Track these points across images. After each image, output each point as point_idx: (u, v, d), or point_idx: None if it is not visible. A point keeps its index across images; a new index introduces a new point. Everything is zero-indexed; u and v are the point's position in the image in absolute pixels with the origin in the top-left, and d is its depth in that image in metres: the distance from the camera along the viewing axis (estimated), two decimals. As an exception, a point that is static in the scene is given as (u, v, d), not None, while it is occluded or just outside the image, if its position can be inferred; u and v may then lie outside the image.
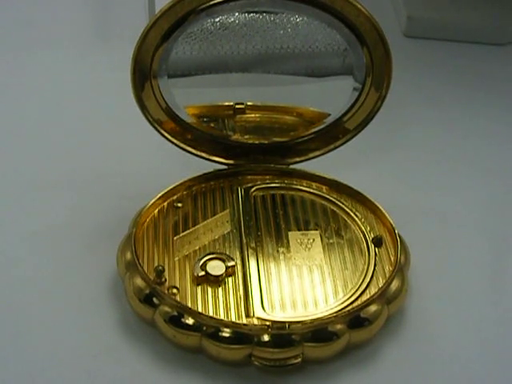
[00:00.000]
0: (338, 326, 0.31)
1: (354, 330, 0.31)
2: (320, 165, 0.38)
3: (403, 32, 0.55)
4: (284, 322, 0.30)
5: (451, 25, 0.55)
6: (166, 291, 0.31)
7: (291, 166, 0.38)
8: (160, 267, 0.32)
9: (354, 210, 0.36)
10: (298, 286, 0.32)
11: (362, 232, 0.35)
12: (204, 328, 0.30)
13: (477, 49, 0.54)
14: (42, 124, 0.44)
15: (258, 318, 0.31)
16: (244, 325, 0.30)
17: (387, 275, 0.33)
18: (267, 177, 0.38)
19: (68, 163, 0.41)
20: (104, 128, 0.44)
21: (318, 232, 0.35)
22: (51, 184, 0.40)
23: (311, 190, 0.37)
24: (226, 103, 0.37)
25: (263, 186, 0.37)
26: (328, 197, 0.37)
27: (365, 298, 0.32)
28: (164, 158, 0.40)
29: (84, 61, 0.50)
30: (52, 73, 0.48)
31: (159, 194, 0.36)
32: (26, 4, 0.55)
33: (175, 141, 0.36)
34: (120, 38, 0.51)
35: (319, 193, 0.37)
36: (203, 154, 0.37)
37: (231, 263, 0.33)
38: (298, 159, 0.38)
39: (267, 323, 0.30)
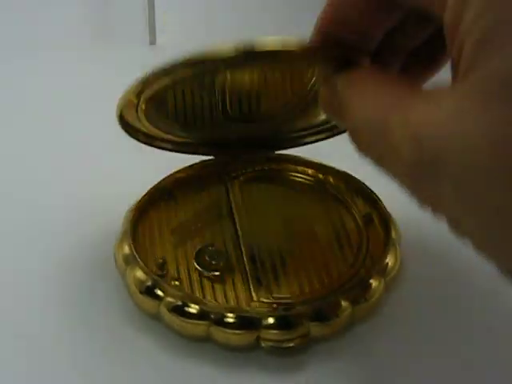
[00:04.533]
0: (342, 303, 0.31)
1: (356, 305, 0.31)
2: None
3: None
4: (288, 303, 0.31)
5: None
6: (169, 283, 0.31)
7: (277, 152, 0.38)
8: (160, 259, 0.32)
9: (341, 190, 0.37)
10: (298, 266, 0.33)
11: (352, 211, 0.36)
12: (211, 315, 0.30)
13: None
14: (41, 122, 0.44)
15: (261, 302, 0.31)
16: (249, 309, 0.31)
17: (381, 250, 0.34)
18: (254, 165, 0.38)
19: (67, 162, 0.41)
20: (104, 127, 0.43)
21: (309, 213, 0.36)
22: (44, 183, 0.40)
23: (298, 174, 0.38)
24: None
25: (251, 173, 0.38)
26: (315, 179, 0.37)
27: (362, 273, 0.33)
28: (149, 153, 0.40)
29: (84, 61, 0.50)
30: (51, 72, 0.49)
31: (149, 188, 0.35)
32: (26, 4, 0.54)
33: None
34: (120, 38, 0.51)
35: (306, 176, 0.38)
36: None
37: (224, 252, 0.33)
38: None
39: (273, 306, 0.31)
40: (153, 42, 0.55)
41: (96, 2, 0.56)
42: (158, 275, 0.31)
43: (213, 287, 0.32)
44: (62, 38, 0.52)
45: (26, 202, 0.38)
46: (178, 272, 0.32)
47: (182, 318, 0.30)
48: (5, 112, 0.46)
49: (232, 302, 0.31)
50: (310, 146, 0.38)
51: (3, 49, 0.51)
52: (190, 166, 0.37)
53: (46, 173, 0.41)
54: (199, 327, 0.30)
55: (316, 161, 0.38)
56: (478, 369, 0.31)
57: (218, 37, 0.57)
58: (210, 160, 0.38)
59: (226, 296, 0.31)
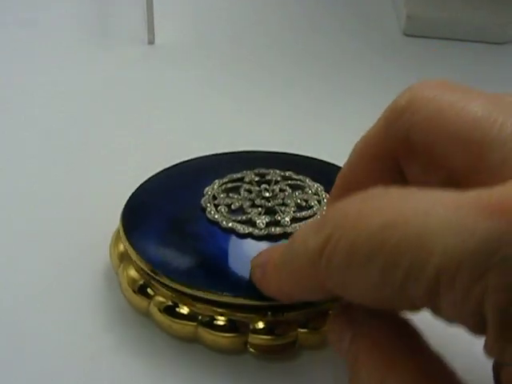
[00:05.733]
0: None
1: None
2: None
3: (403, 31, 0.55)
4: (278, 309, 0.30)
5: (451, 24, 0.55)
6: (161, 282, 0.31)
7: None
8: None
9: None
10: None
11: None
12: (199, 317, 0.30)
13: (476, 48, 0.54)
14: (40, 122, 0.45)
15: (251, 306, 0.31)
16: (239, 312, 0.30)
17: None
18: None
19: (65, 161, 0.42)
20: (103, 126, 0.45)
21: None
22: (42, 182, 0.40)
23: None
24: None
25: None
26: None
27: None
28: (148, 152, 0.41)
29: (82, 60, 0.51)
30: (50, 72, 0.50)
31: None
32: (26, 4, 0.56)
33: None
34: (118, 38, 0.51)
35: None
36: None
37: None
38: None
39: (262, 311, 0.30)
40: (151, 41, 0.55)
41: (96, 2, 0.57)
42: (151, 275, 0.32)
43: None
44: (60, 38, 0.53)
45: (21, 202, 0.39)
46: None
47: (171, 318, 0.31)
48: (4, 112, 0.46)
49: (222, 305, 0.31)
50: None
51: (2, 49, 0.52)
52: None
53: (44, 171, 0.41)
54: (187, 328, 0.30)
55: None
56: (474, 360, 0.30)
57: (218, 37, 0.57)
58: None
59: (215, 297, 0.31)
